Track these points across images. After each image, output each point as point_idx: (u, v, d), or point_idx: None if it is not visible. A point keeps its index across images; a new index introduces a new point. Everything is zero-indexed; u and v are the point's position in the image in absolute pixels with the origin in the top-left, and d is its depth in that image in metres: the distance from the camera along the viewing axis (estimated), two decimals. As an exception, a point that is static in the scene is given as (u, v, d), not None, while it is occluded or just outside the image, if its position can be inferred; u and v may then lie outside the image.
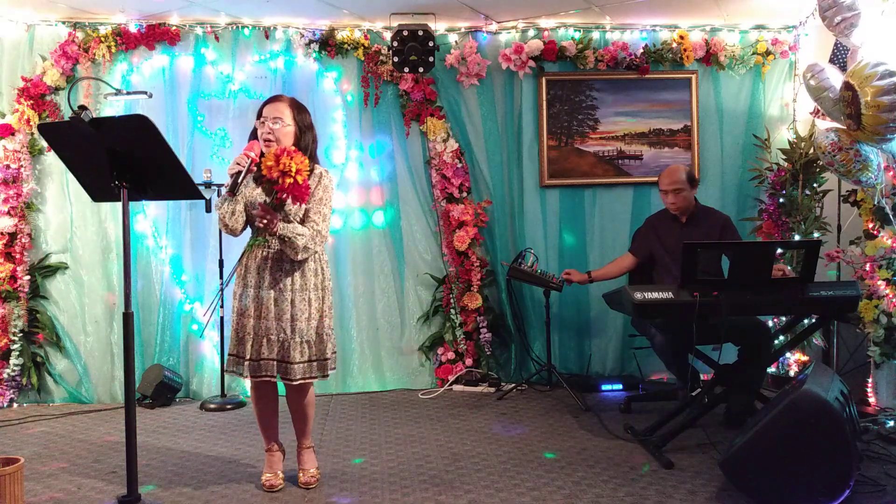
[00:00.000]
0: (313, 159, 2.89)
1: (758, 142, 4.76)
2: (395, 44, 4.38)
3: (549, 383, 4.56)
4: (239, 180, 2.70)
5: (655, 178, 4.78)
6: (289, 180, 2.63)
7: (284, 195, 2.68)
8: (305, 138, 2.85)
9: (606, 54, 4.72)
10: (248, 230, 2.95)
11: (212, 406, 4.24)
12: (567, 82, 4.79)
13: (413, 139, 4.73)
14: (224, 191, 2.80)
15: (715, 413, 3.56)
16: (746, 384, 3.53)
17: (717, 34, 4.80)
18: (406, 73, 4.51)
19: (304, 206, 2.79)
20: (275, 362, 2.80)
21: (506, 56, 4.66)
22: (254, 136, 2.90)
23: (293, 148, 2.73)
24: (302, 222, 2.80)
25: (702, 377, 4.05)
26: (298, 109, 2.87)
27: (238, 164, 2.71)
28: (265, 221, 2.69)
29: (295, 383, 2.81)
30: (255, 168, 2.77)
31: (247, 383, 4.44)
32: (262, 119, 2.82)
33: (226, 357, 2.93)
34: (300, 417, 2.98)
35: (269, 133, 2.78)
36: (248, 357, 2.80)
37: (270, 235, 2.75)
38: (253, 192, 2.82)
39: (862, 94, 3.11)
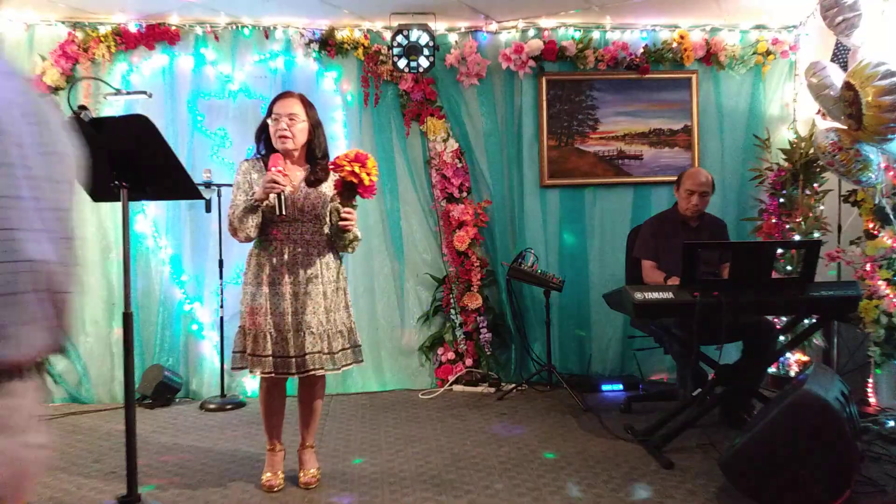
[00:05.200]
0: (326, 157, 2.91)
1: (758, 142, 4.76)
2: (395, 43, 4.38)
3: (549, 383, 4.55)
4: (286, 198, 2.73)
5: (655, 178, 4.83)
6: (375, 179, 2.72)
7: (365, 195, 2.75)
8: (318, 134, 2.88)
9: (606, 54, 4.72)
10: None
11: (212, 406, 4.24)
12: (567, 82, 4.79)
13: (413, 139, 4.72)
14: (245, 206, 2.75)
15: (715, 413, 3.56)
16: (747, 383, 3.53)
17: (718, 34, 4.80)
18: (406, 72, 4.50)
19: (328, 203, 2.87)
20: (322, 354, 2.80)
21: (506, 56, 4.65)
22: (261, 133, 2.89)
23: (362, 151, 2.75)
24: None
25: (709, 377, 4.03)
26: (309, 105, 2.88)
27: (276, 182, 2.66)
28: (351, 224, 2.78)
29: (337, 371, 2.85)
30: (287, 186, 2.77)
31: (247, 382, 4.47)
32: (274, 116, 2.81)
33: (244, 359, 2.85)
34: (311, 413, 2.98)
35: (286, 130, 2.77)
36: (292, 354, 2.78)
37: (345, 232, 2.81)
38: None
39: (863, 94, 3.10)
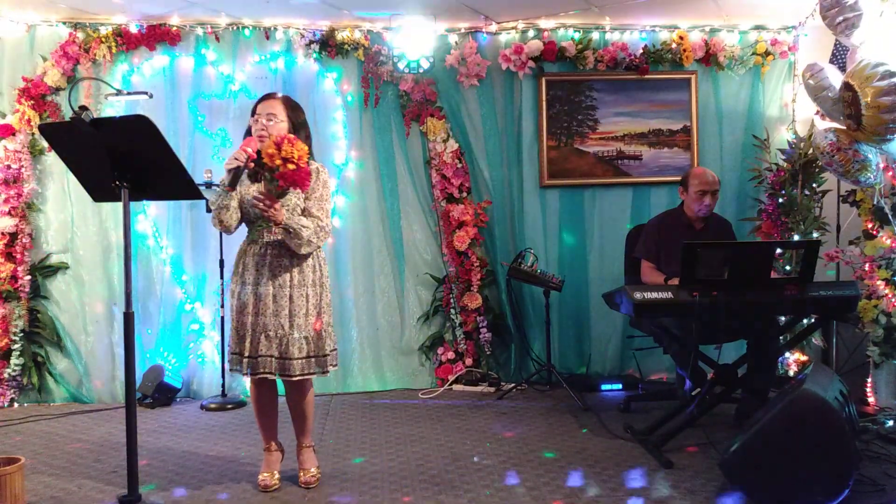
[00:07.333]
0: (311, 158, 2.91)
1: (757, 142, 4.76)
2: (395, 44, 4.38)
3: (548, 383, 4.56)
4: (238, 174, 2.73)
5: (655, 179, 4.83)
6: (291, 167, 2.62)
7: (286, 183, 2.66)
8: (300, 135, 2.85)
9: (606, 55, 4.73)
10: (243, 228, 2.96)
11: (212, 406, 4.25)
12: (567, 83, 4.80)
13: (413, 139, 4.73)
14: (219, 188, 2.82)
15: (714, 413, 3.56)
16: (760, 382, 3.54)
17: (717, 35, 4.80)
18: (406, 73, 4.51)
19: (303, 200, 2.82)
20: (273, 359, 2.81)
21: (506, 56, 4.66)
22: (249, 134, 2.92)
23: (292, 136, 2.72)
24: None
25: (708, 377, 4.04)
26: (292, 107, 2.90)
27: (236, 158, 2.72)
28: (267, 210, 2.68)
29: (294, 379, 2.82)
30: (251, 164, 2.78)
31: (247, 381, 4.47)
32: (255, 116, 2.85)
33: (227, 355, 2.94)
34: (299, 416, 2.98)
35: (263, 129, 2.80)
36: (247, 354, 2.82)
37: (276, 226, 2.74)
38: (249, 189, 2.82)
39: (862, 95, 3.11)
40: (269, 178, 2.69)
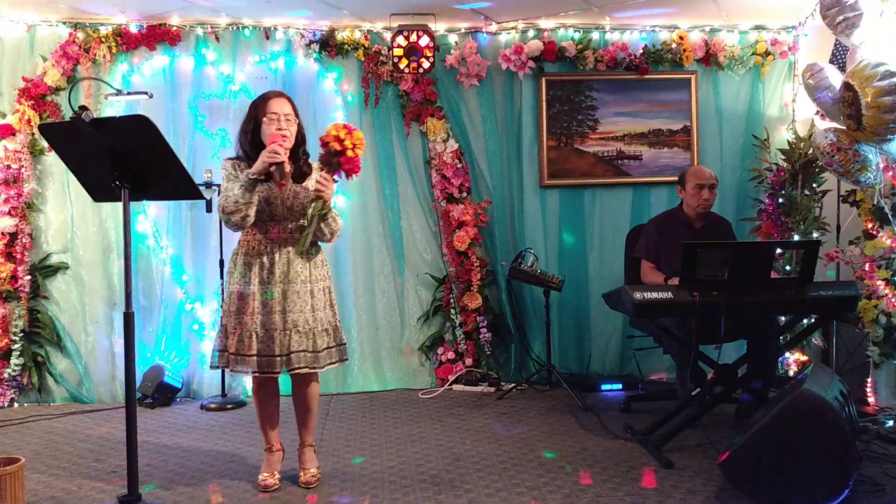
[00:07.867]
0: (307, 154, 2.98)
1: (757, 142, 4.76)
2: (395, 44, 4.39)
3: (548, 383, 4.56)
4: (282, 168, 2.74)
5: (655, 179, 4.83)
6: (359, 152, 2.73)
7: (346, 167, 2.75)
8: (303, 133, 2.96)
9: (606, 55, 4.73)
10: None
11: (212, 406, 4.25)
12: (567, 83, 4.80)
13: (413, 139, 4.73)
14: (242, 184, 2.73)
15: (714, 413, 3.56)
16: (760, 382, 3.54)
17: (717, 35, 4.81)
18: (406, 73, 4.51)
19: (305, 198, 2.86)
20: (306, 353, 2.82)
21: (505, 56, 4.66)
22: (249, 128, 2.91)
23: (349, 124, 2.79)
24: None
25: (708, 376, 4.03)
26: (295, 108, 2.96)
27: (277, 153, 2.71)
28: (327, 191, 2.78)
29: (321, 370, 2.87)
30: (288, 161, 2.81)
31: (247, 381, 4.47)
32: (271, 116, 2.84)
33: (236, 358, 2.82)
34: (306, 410, 2.99)
35: (285, 130, 2.84)
36: (277, 353, 2.80)
37: (325, 208, 2.82)
38: (263, 187, 2.81)
39: (863, 95, 3.11)
40: (332, 162, 2.76)
